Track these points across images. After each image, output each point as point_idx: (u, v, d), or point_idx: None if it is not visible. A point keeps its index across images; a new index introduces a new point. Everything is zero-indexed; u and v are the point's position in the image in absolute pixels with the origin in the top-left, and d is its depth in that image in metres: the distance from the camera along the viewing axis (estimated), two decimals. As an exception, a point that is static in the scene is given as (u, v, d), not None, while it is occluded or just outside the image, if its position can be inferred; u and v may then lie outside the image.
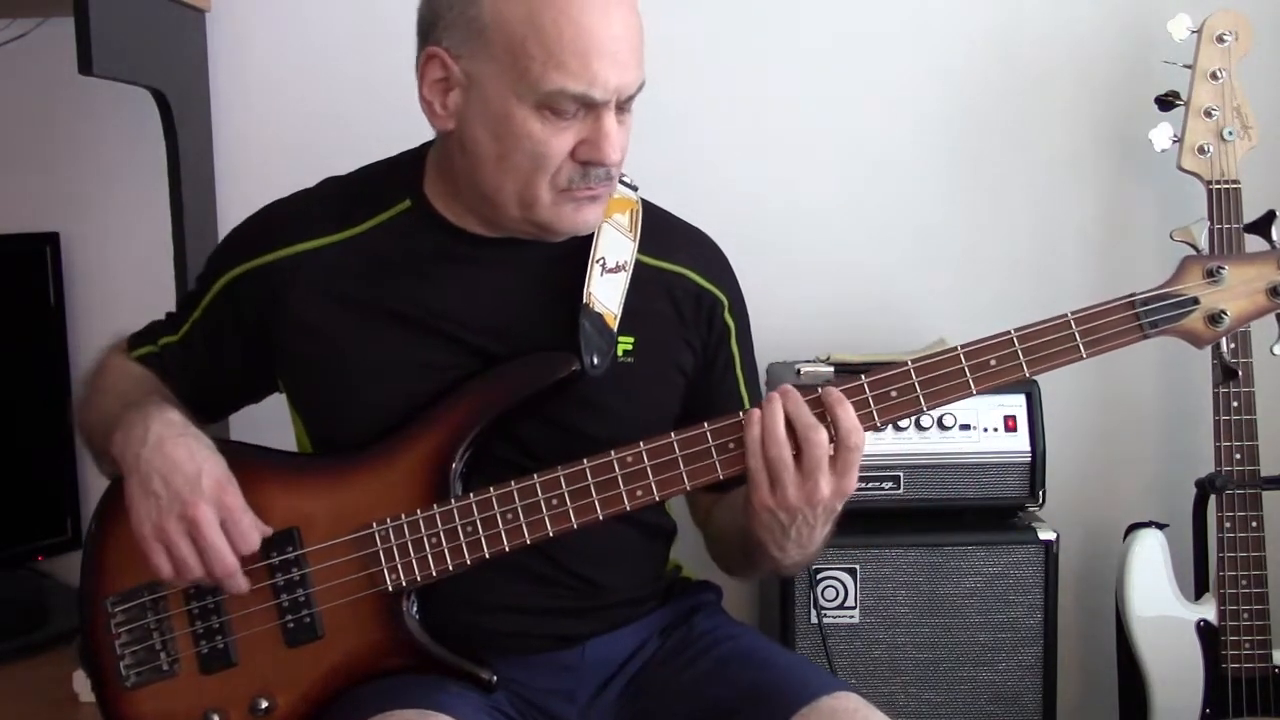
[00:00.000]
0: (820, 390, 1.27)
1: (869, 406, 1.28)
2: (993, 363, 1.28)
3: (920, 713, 1.86)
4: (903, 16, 2.10)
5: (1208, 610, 1.88)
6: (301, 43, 2.10)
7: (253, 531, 1.30)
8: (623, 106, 1.31)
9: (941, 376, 1.28)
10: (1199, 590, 1.93)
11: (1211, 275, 1.28)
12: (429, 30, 1.32)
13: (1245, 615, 1.86)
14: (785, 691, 1.30)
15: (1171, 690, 1.88)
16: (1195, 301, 1.28)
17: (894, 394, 1.28)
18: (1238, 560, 1.85)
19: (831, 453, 1.25)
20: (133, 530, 1.29)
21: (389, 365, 1.37)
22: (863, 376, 1.29)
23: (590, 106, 1.28)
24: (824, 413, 1.26)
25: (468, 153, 1.33)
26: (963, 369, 1.28)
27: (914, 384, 1.28)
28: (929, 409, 1.29)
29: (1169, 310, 1.29)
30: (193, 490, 1.27)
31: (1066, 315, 1.28)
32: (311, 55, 2.10)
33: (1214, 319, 1.28)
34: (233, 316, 1.43)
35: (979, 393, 1.29)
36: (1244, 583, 1.85)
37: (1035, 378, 1.82)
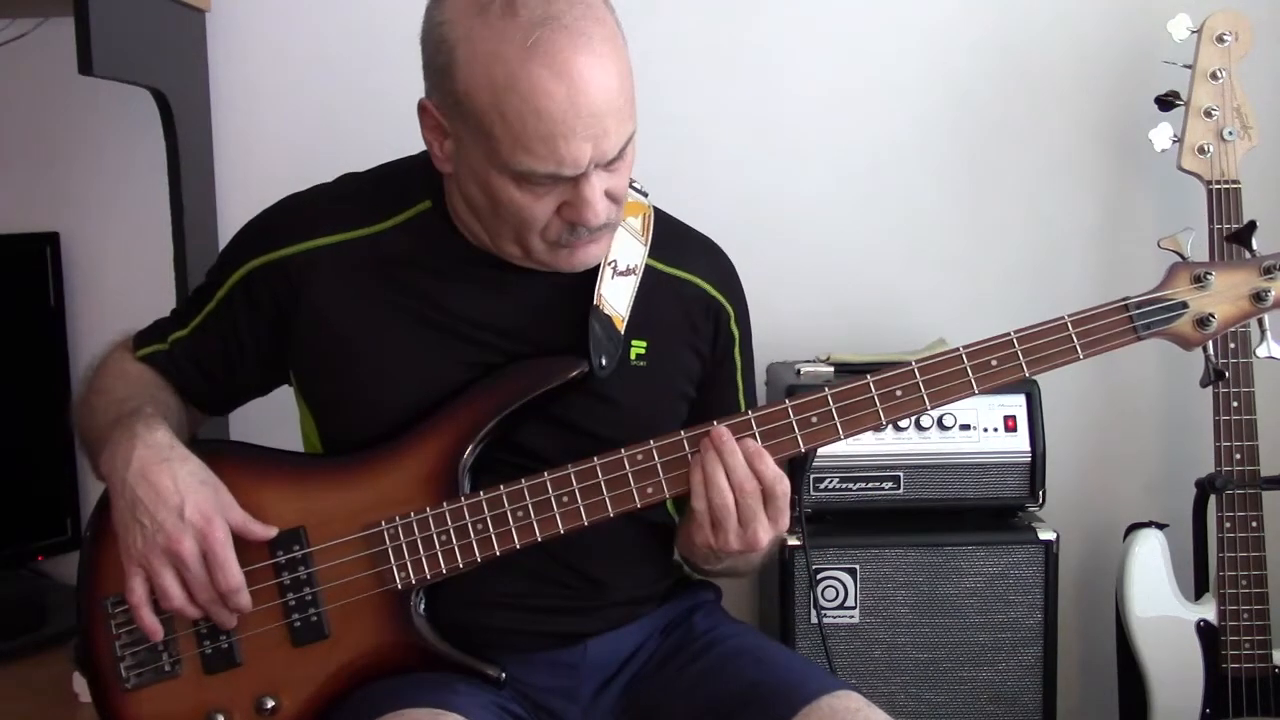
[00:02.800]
0: (739, 442, 1.29)
1: (874, 405, 1.31)
2: (994, 363, 1.31)
3: (920, 713, 1.86)
4: (902, 16, 2.10)
5: (1208, 610, 1.88)
6: (301, 43, 2.10)
7: (233, 570, 1.28)
8: (612, 160, 1.27)
9: (945, 376, 1.31)
10: (1199, 590, 1.93)
11: (1199, 281, 1.33)
12: (425, 78, 1.31)
13: (1245, 615, 1.86)
14: (786, 691, 1.31)
15: (1171, 690, 1.88)
16: (1184, 305, 1.33)
17: (899, 393, 1.31)
18: (1238, 560, 1.85)
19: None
20: (119, 552, 1.29)
21: (402, 364, 1.37)
22: (868, 376, 1.31)
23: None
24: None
25: (466, 198, 1.34)
26: (965, 369, 1.31)
27: (918, 383, 1.31)
28: (932, 408, 1.32)
29: (1160, 314, 1.33)
30: (175, 524, 1.26)
31: (1064, 318, 1.32)
32: (311, 55, 2.10)
33: (1202, 322, 1.33)
34: (248, 309, 1.42)
35: (981, 392, 1.32)
36: (1244, 583, 1.85)
37: (1035, 377, 1.85)
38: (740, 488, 1.27)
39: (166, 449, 1.30)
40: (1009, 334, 1.32)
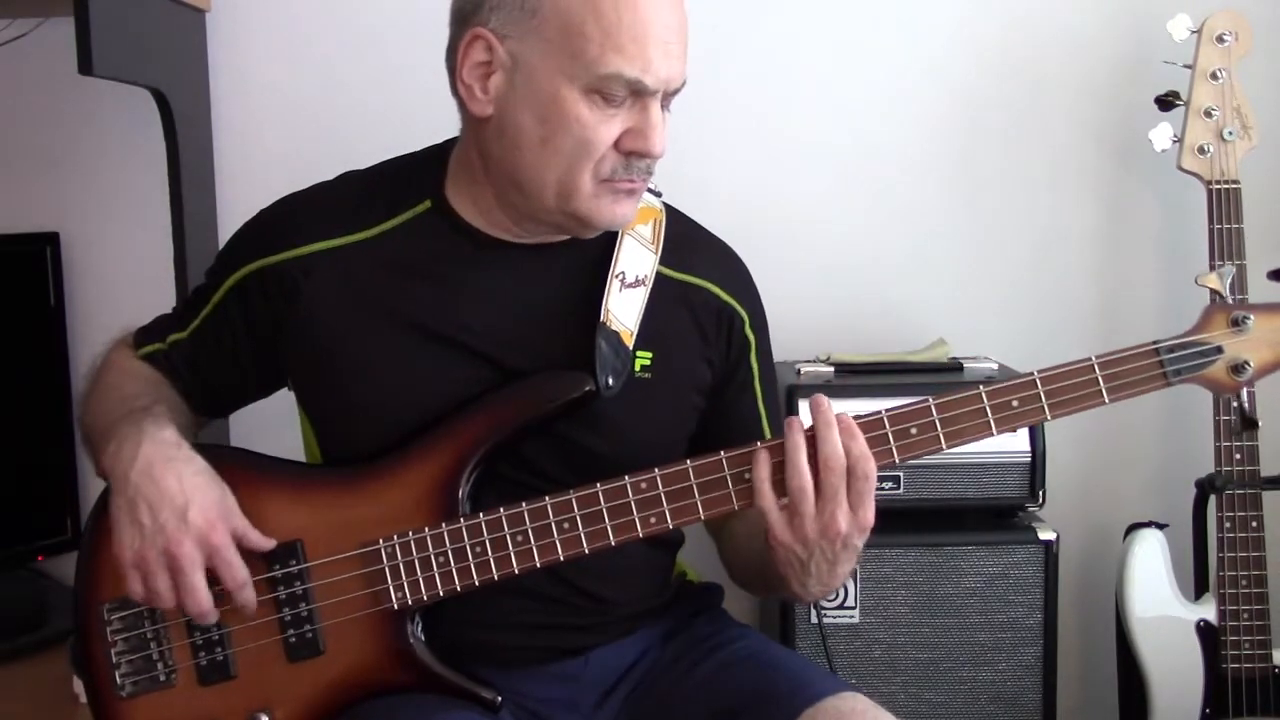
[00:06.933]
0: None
1: (888, 442, 1.25)
2: (1015, 404, 1.26)
3: (920, 713, 1.86)
4: (902, 18, 2.10)
5: (1208, 610, 1.88)
6: (301, 43, 2.10)
7: (239, 567, 1.26)
8: (665, 102, 1.30)
9: (963, 415, 1.26)
10: (1199, 590, 1.93)
11: (1237, 325, 1.26)
12: (472, 12, 1.29)
13: (1245, 615, 1.86)
14: (790, 692, 1.29)
15: (1171, 690, 1.88)
16: (1219, 350, 1.26)
17: (914, 431, 1.26)
18: (1238, 560, 1.85)
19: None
20: (114, 551, 1.26)
21: (399, 373, 1.34)
22: (883, 411, 1.26)
23: (639, 95, 1.26)
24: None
25: (507, 139, 1.29)
26: (984, 409, 1.26)
27: (934, 421, 1.26)
28: (948, 447, 1.26)
29: (1193, 359, 1.27)
30: (178, 526, 1.23)
31: (1090, 359, 1.26)
32: (311, 55, 2.10)
33: (1237, 369, 1.27)
34: (243, 314, 1.40)
35: (999, 433, 1.26)
36: (1244, 583, 1.85)
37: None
38: (826, 463, 1.21)
39: (173, 448, 1.28)
40: (1032, 374, 1.26)
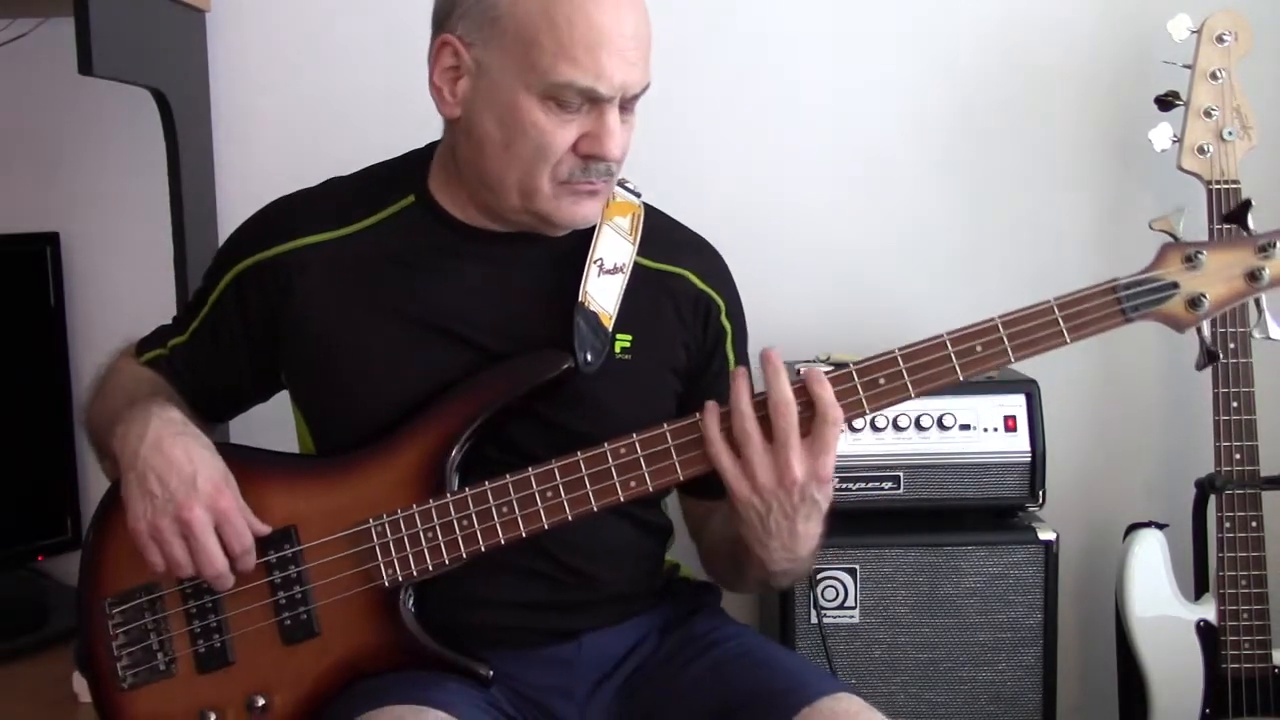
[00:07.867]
0: (801, 372, 1.28)
1: (858, 394, 1.29)
2: (979, 349, 1.29)
3: (920, 713, 1.86)
4: (901, 15, 2.10)
5: (1207, 610, 1.88)
6: (301, 43, 2.10)
7: (245, 532, 1.31)
8: (626, 105, 1.33)
9: (928, 363, 1.29)
10: (1199, 590, 1.93)
11: (1190, 260, 1.29)
12: (444, 18, 1.34)
13: (1245, 615, 1.86)
14: (785, 692, 1.30)
15: (1171, 690, 1.88)
16: (1175, 286, 1.30)
17: (882, 381, 1.29)
18: (1237, 560, 1.85)
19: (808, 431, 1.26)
20: (128, 526, 1.30)
21: (389, 362, 1.38)
22: (850, 365, 1.30)
23: (594, 101, 1.29)
24: (802, 388, 1.27)
25: (473, 141, 1.34)
26: (949, 355, 1.29)
27: (901, 370, 1.29)
28: (917, 395, 1.30)
29: (1150, 295, 1.30)
30: (188, 492, 1.28)
31: (1049, 301, 1.30)
32: (311, 55, 2.11)
33: (1194, 303, 1.29)
34: (239, 311, 1.44)
35: (966, 379, 1.30)
36: (1244, 583, 1.85)
37: (1034, 377, 1.85)
38: (775, 408, 1.25)
39: (181, 424, 1.34)
40: (993, 319, 1.29)
